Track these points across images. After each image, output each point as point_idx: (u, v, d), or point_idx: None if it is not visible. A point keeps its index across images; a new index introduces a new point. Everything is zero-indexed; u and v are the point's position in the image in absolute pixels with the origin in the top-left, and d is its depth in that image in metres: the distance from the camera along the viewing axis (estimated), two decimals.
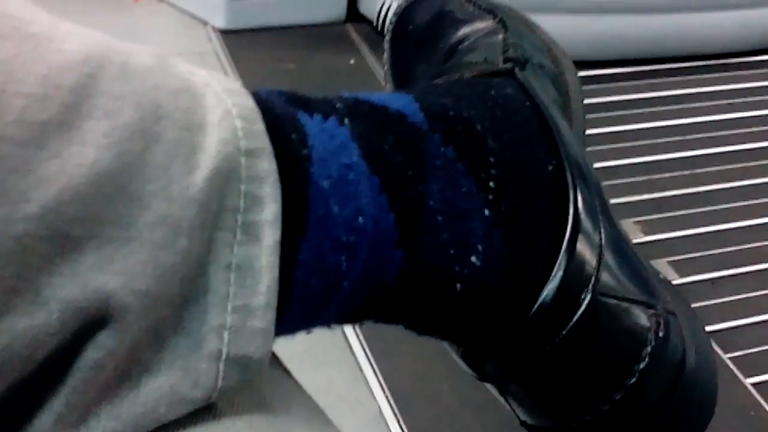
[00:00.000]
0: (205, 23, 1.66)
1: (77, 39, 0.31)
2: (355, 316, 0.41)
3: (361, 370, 1.00)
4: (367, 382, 0.99)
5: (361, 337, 1.03)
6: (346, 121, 0.39)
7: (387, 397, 0.97)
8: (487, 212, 0.41)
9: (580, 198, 0.44)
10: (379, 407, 0.96)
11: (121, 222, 0.30)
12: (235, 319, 0.33)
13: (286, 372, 0.41)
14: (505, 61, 0.49)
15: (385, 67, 0.58)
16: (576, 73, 0.55)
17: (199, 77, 0.35)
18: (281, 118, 0.37)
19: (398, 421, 0.94)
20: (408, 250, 0.39)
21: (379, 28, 1.64)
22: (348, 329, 1.04)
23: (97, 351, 0.30)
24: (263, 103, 0.36)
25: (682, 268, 1.17)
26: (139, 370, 0.32)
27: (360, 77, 1.52)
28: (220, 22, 1.64)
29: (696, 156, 1.39)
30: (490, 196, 0.41)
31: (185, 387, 0.32)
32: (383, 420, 0.95)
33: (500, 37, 0.52)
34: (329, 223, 0.36)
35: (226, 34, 1.63)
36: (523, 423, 0.47)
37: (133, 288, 0.30)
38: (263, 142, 0.34)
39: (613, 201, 1.26)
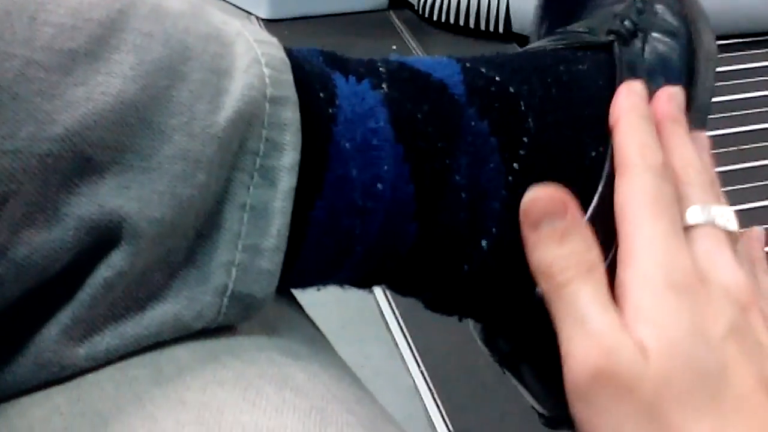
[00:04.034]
0: (248, 14, 1.68)
1: None
2: (366, 280, 0.41)
3: (396, 345, 1.00)
4: (402, 358, 0.98)
5: (396, 313, 1.03)
6: (384, 85, 0.39)
7: (422, 372, 0.96)
8: (504, 193, 0.40)
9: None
10: (414, 382, 0.96)
11: (142, 152, 0.32)
12: (243, 257, 0.34)
13: (294, 300, 0.41)
14: (608, 33, 0.46)
15: (533, 27, 0.56)
16: (712, 37, 0.49)
17: (232, 26, 0.36)
18: (312, 74, 0.37)
19: (433, 396, 0.94)
20: (422, 225, 0.38)
21: (421, 12, 1.64)
22: (384, 305, 1.03)
23: (108, 270, 0.32)
24: (296, 59, 0.37)
25: None
26: (146, 295, 0.33)
27: None
28: (263, 13, 1.66)
29: None
30: (510, 178, 0.40)
31: (188, 316, 0.34)
32: (418, 394, 0.94)
33: (623, 6, 0.49)
34: (346, 185, 0.37)
35: (269, 24, 1.64)
36: (541, 417, 0.45)
37: (149, 215, 0.32)
38: (289, 91, 0.35)
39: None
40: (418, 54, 1.54)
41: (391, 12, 1.69)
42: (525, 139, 0.40)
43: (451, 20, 1.59)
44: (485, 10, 1.56)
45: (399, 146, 0.38)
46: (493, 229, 0.39)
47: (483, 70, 0.42)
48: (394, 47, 1.57)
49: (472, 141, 0.39)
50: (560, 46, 0.46)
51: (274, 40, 0.37)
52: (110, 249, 0.32)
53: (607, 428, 0.34)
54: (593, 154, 0.42)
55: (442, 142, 0.39)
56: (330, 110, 0.37)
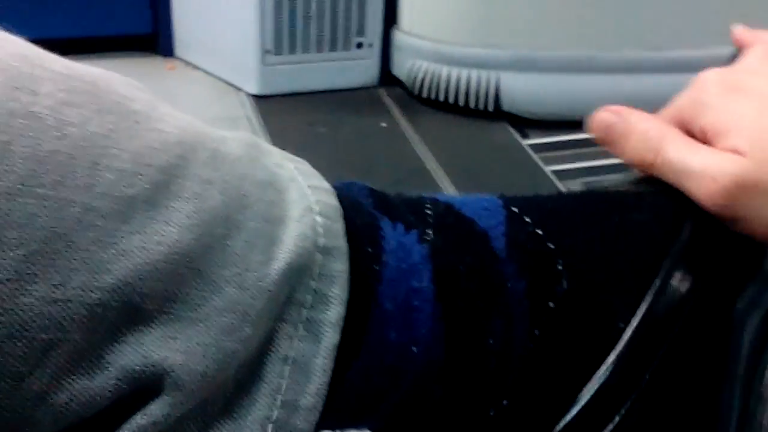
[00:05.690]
0: (238, 89, 1.68)
1: (173, 121, 0.33)
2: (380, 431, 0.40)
3: None
4: None
5: None
6: (430, 231, 0.38)
7: None
8: (520, 364, 0.38)
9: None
10: None
11: (192, 302, 0.31)
12: (281, 414, 0.33)
13: None
14: None
15: None
16: None
17: (286, 170, 0.36)
18: (361, 224, 0.37)
19: None
20: (446, 388, 0.37)
21: (411, 90, 1.65)
22: None
23: (144, 418, 0.31)
24: (346, 201, 0.37)
25: None
26: None
27: (391, 140, 1.52)
28: (253, 88, 1.66)
29: None
30: (531, 345, 0.38)
31: None
32: None
33: None
34: (383, 348, 0.36)
35: (259, 100, 1.65)
36: None
37: (192, 367, 0.31)
38: (340, 242, 0.35)
39: None
40: (407, 131, 1.54)
41: (381, 89, 1.70)
42: (551, 304, 0.39)
43: (441, 98, 1.60)
44: (475, 89, 1.57)
45: (438, 305, 0.37)
46: (504, 401, 0.38)
47: (528, 219, 0.40)
48: (384, 124, 1.57)
49: (507, 302, 0.38)
50: (624, 188, 0.44)
51: (326, 185, 0.37)
52: (149, 399, 0.31)
53: (762, 217, 0.40)
54: (620, 325, 0.39)
55: (481, 301, 0.38)
56: (375, 267, 0.36)
